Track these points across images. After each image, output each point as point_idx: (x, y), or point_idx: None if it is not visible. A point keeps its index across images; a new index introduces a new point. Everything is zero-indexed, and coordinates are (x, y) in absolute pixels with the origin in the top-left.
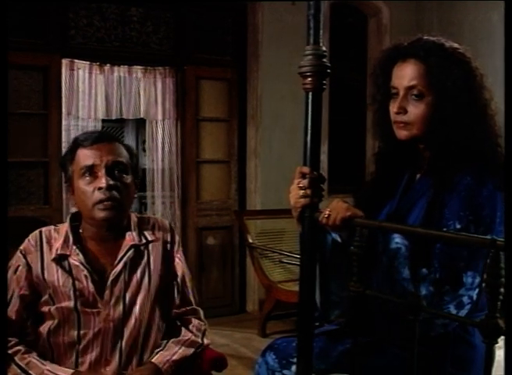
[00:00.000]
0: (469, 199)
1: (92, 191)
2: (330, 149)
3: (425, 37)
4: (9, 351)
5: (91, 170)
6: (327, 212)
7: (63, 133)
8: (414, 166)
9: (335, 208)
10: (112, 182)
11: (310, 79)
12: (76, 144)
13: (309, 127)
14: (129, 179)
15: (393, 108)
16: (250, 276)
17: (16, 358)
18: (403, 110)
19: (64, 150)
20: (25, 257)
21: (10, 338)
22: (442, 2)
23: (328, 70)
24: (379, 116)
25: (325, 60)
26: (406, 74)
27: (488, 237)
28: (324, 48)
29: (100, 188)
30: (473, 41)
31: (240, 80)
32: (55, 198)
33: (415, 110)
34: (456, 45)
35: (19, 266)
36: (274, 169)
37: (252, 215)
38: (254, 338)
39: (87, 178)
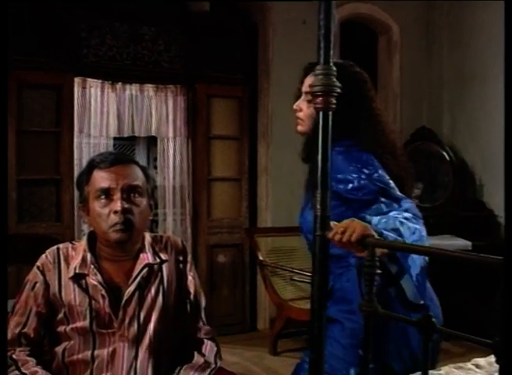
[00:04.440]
0: (343, 160)
1: (107, 213)
2: None
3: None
4: (28, 372)
5: (107, 193)
6: (341, 229)
7: (75, 150)
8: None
9: (350, 226)
10: (126, 205)
11: (321, 98)
12: (93, 165)
13: (319, 146)
14: (144, 202)
15: (294, 105)
16: (260, 294)
17: None
18: (299, 108)
19: (76, 167)
20: (43, 274)
21: (29, 358)
22: (453, 20)
23: (339, 90)
24: None
25: (335, 80)
26: (305, 83)
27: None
28: (334, 68)
29: (115, 212)
30: (484, 59)
31: (250, 97)
32: (67, 215)
33: (306, 110)
34: (352, 65)
35: (36, 282)
36: (285, 187)
37: (263, 232)
38: (265, 356)
39: (103, 201)
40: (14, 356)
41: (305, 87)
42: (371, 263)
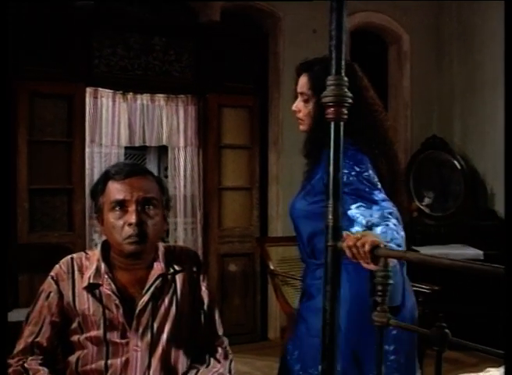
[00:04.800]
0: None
1: (122, 225)
2: None
3: (321, 57)
4: None
5: (122, 205)
6: (354, 240)
7: (86, 160)
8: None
9: (363, 237)
10: (141, 218)
11: (332, 109)
12: (108, 176)
13: (331, 157)
14: (159, 214)
15: (293, 106)
16: (271, 304)
17: None
18: (298, 109)
19: (87, 177)
20: (57, 283)
21: (40, 367)
22: (464, 30)
23: (350, 100)
24: None
25: (346, 90)
26: (298, 84)
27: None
28: (346, 78)
29: (130, 224)
30: (495, 66)
31: (261, 107)
32: (79, 224)
33: (305, 110)
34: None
35: (50, 292)
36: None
37: (274, 242)
38: (276, 366)
39: (117, 212)
40: (26, 365)
41: (299, 88)
42: (385, 274)
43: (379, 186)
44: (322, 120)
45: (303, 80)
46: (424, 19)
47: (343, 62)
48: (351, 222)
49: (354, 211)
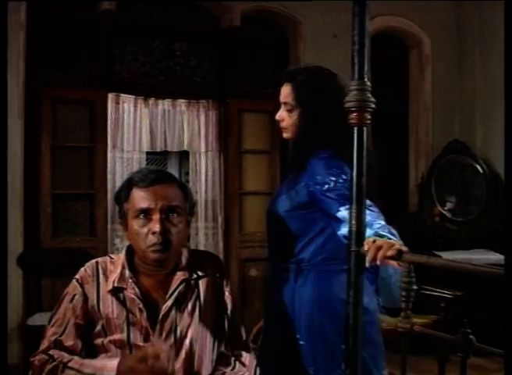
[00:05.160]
0: (324, 165)
1: (146, 233)
2: (381, 180)
3: (300, 66)
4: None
5: (146, 213)
6: (378, 245)
7: (108, 165)
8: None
9: (386, 243)
10: (165, 226)
11: (355, 114)
12: (132, 183)
13: (355, 162)
14: (182, 221)
15: (276, 115)
16: None
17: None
18: (281, 118)
19: (109, 182)
20: (82, 286)
21: (65, 354)
22: (485, 33)
23: (374, 105)
24: None
25: (369, 95)
26: (282, 94)
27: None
28: (369, 83)
29: (154, 232)
30: None
31: None
32: (101, 229)
33: (289, 119)
34: (322, 69)
35: (75, 294)
36: None
37: None
38: None
39: (141, 220)
40: (49, 352)
41: (282, 98)
42: (409, 279)
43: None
44: (308, 129)
45: (286, 90)
46: (445, 21)
47: (366, 68)
48: (341, 223)
49: (345, 212)
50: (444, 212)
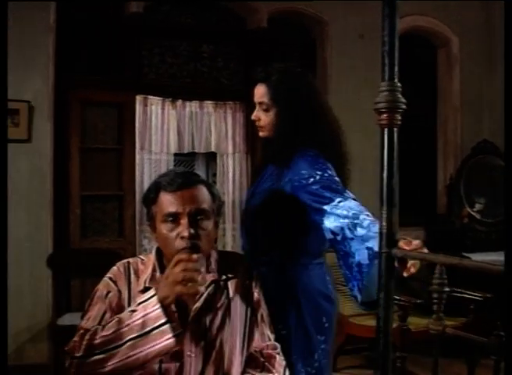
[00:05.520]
0: (311, 161)
1: (174, 237)
2: (400, 181)
3: (275, 66)
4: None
5: (174, 217)
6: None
7: (137, 167)
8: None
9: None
10: (193, 231)
11: (385, 115)
12: (159, 186)
13: (385, 163)
14: (210, 225)
15: (252, 116)
16: None
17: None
18: (257, 118)
19: (137, 183)
20: (115, 284)
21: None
22: None
23: (404, 106)
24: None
25: (400, 96)
26: (256, 93)
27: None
28: (399, 84)
29: (182, 237)
30: None
31: None
32: (129, 230)
33: (265, 118)
34: (294, 69)
35: (109, 291)
36: None
37: None
38: None
39: (170, 224)
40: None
41: (257, 98)
42: (441, 281)
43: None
44: (286, 127)
45: (261, 90)
46: (473, 20)
47: (396, 69)
48: (323, 216)
49: (330, 205)
50: (473, 213)
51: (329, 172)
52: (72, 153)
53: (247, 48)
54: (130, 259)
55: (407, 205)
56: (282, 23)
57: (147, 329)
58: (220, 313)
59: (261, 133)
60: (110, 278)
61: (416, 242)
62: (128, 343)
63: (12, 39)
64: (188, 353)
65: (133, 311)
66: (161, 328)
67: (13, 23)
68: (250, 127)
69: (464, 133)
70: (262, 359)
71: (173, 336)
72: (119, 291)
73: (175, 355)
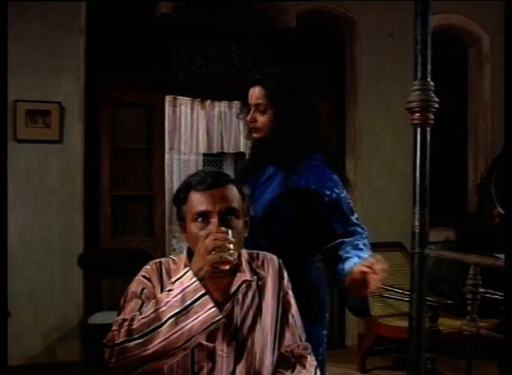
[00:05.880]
0: (320, 175)
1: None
2: (431, 181)
3: (270, 69)
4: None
5: (204, 216)
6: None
7: (166, 167)
8: (267, 159)
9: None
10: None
11: (418, 114)
12: (189, 186)
13: (418, 162)
14: (240, 223)
15: (248, 117)
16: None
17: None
18: (254, 119)
19: (167, 184)
20: (149, 281)
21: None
22: None
23: (437, 105)
24: (247, 125)
25: (433, 95)
26: (252, 95)
27: None
28: (432, 83)
29: None
30: None
31: (338, 112)
32: (158, 230)
33: (262, 119)
34: (289, 71)
35: (144, 288)
36: (373, 202)
37: None
38: (354, 374)
39: (200, 223)
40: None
41: (254, 100)
42: (475, 282)
43: (353, 208)
44: (284, 129)
45: (259, 92)
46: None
47: (429, 67)
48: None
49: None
50: (504, 213)
51: (336, 191)
52: (103, 154)
53: (275, 48)
54: (162, 259)
55: (437, 204)
56: (310, 22)
57: (188, 302)
58: (251, 313)
59: (255, 135)
60: (144, 276)
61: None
62: (169, 321)
63: (43, 41)
64: (220, 353)
65: (170, 290)
66: (201, 299)
67: (44, 26)
68: None
69: (494, 133)
70: (293, 359)
71: (215, 306)
72: (154, 288)
73: (207, 354)
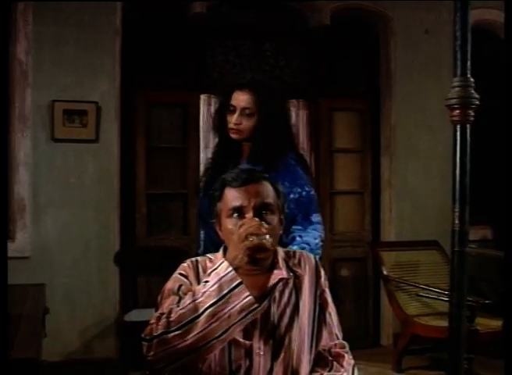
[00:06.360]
0: (294, 174)
1: None
2: (471, 179)
3: (250, 76)
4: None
5: (239, 211)
6: None
7: (201, 165)
8: (236, 157)
9: None
10: None
11: (458, 111)
12: (224, 183)
13: (458, 160)
14: (275, 219)
15: (232, 119)
16: (384, 309)
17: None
18: (239, 122)
19: (202, 183)
20: (187, 278)
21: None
22: None
23: (477, 102)
24: (219, 123)
25: (473, 92)
26: (240, 100)
27: None
28: (472, 79)
29: None
30: None
31: (373, 110)
32: (194, 228)
33: (247, 123)
34: (270, 81)
35: (181, 285)
36: (408, 200)
37: (387, 246)
38: (389, 373)
39: (235, 219)
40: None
41: (243, 104)
42: None
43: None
44: (267, 132)
45: (249, 98)
46: None
47: (469, 63)
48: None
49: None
50: None
51: (306, 189)
52: (138, 152)
53: (309, 46)
54: (199, 258)
55: (474, 202)
56: (344, 20)
57: (224, 292)
58: (288, 311)
59: (235, 136)
60: (181, 274)
61: None
62: (206, 311)
63: (79, 42)
64: (257, 351)
65: (206, 281)
66: (237, 288)
67: (80, 27)
68: (314, 125)
69: None
70: (331, 358)
71: (250, 295)
72: (191, 285)
73: (244, 352)
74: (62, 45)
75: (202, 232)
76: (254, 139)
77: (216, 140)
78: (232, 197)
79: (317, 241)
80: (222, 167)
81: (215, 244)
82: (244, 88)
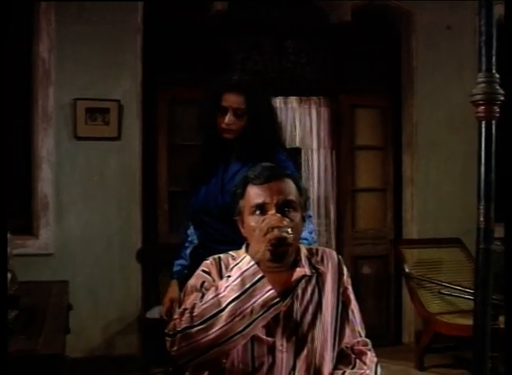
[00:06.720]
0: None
1: None
2: (496, 175)
3: (246, 77)
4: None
5: (262, 208)
6: None
7: None
8: (226, 156)
9: None
10: None
11: (483, 107)
12: (247, 180)
13: (483, 157)
14: (297, 216)
15: (224, 119)
16: (406, 307)
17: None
18: (231, 122)
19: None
20: (210, 275)
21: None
22: None
23: (502, 98)
24: (208, 123)
25: (498, 87)
26: (232, 100)
27: None
28: (497, 75)
29: None
30: None
31: (394, 107)
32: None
33: (239, 122)
34: (261, 83)
35: (204, 282)
36: (430, 198)
37: (409, 244)
38: (412, 371)
39: (257, 216)
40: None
41: (235, 104)
42: None
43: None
44: (257, 131)
45: (241, 99)
46: None
47: (494, 59)
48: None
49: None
50: None
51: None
52: (160, 150)
53: (331, 42)
54: (221, 255)
55: (497, 199)
56: (365, 16)
57: (247, 286)
58: (311, 309)
59: (227, 136)
60: (203, 270)
61: None
62: (230, 305)
63: (101, 40)
64: (280, 348)
65: (229, 276)
66: (259, 282)
67: (102, 25)
68: (335, 122)
69: None
70: (353, 356)
71: (272, 288)
72: (214, 281)
73: (266, 349)
74: (84, 44)
75: (192, 227)
76: (244, 138)
77: (203, 140)
78: (255, 194)
79: (312, 234)
80: (212, 166)
81: (213, 239)
82: (235, 89)
